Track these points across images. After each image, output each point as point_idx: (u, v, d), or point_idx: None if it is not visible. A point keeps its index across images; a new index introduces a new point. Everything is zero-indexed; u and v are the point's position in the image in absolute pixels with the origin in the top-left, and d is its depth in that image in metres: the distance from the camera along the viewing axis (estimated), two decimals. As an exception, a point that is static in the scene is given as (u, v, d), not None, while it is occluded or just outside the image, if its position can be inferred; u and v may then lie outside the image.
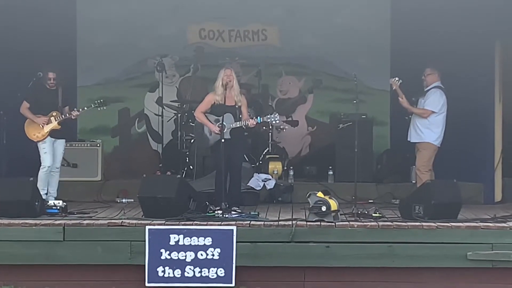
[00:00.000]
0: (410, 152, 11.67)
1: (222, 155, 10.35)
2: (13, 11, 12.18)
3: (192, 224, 9.47)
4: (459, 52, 12.01)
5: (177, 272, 9.25)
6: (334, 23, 14.16)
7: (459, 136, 11.90)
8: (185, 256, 9.27)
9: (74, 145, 12.86)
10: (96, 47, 14.15)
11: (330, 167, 12.82)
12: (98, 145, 12.98)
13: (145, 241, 9.25)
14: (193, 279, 9.24)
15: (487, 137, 12.04)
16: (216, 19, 14.42)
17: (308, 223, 9.53)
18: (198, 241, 9.28)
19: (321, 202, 9.61)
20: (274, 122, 10.85)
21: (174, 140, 13.61)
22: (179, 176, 10.91)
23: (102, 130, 14.41)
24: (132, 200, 11.45)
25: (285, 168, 12.97)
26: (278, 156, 13.08)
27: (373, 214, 9.99)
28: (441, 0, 12.09)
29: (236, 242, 9.22)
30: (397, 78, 11.09)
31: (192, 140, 12.64)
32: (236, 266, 9.20)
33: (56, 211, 10.16)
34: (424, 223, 9.48)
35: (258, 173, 12.35)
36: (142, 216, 9.93)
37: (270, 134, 13.21)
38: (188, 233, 9.30)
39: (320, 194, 9.75)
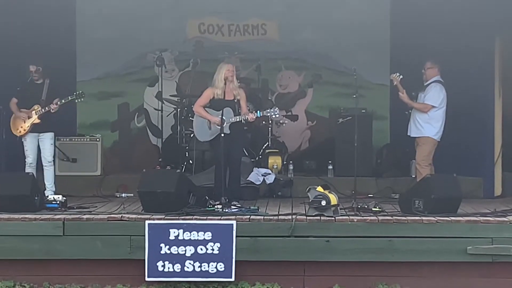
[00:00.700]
0: (410, 146, 11.65)
1: (221, 149, 10.34)
2: (13, 6, 12.15)
3: (191, 219, 9.47)
4: (459, 47, 12.01)
5: (177, 267, 9.25)
6: (333, 18, 14.14)
7: (459, 131, 11.90)
8: (185, 250, 9.27)
9: (73, 139, 12.86)
10: (95, 42, 14.13)
11: (330, 162, 12.81)
12: (98, 139, 12.96)
13: (144, 235, 9.26)
14: (193, 273, 9.24)
15: (487, 131, 12.04)
16: (215, 14, 14.40)
17: (308, 217, 9.53)
18: (198, 235, 9.28)
19: (321, 197, 9.61)
20: (274, 116, 10.83)
21: (174, 135, 13.60)
22: (178, 170, 10.92)
23: (101, 124, 14.41)
24: (132, 194, 11.44)
25: (284, 162, 12.96)
26: (277, 150, 13.07)
27: (373, 209, 9.99)
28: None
29: (236, 236, 9.23)
30: (398, 74, 11.08)
31: (192, 135, 12.63)
32: (236, 261, 9.21)
33: (55, 205, 10.16)
34: (424, 218, 9.47)
35: (258, 168, 12.34)
36: (141, 210, 9.92)
37: (269, 128, 13.20)
38: (188, 228, 9.30)
39: (320, 188, 9.75)
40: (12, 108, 11.04)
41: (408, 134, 11.35)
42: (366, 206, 10.15)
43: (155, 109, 14.25)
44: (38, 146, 11.04)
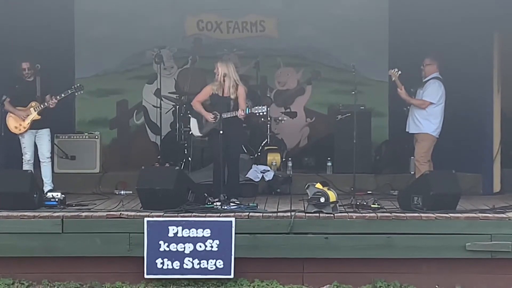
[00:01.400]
0: (409, 143, 11.65)
1: (220, 146, 10.35)
2: (11, 3, 12.14)
3: (190, 216, 9.47)
4: (457, 43, 12.02)
5: (176, 264, 9.25)
6: (332, 14, 14.14)
7: (457, 127, 11.91)
8: (184, 247, 9.27)
9: (72, 137, 12.86)
10: (94, 39, 14.14)
11: (329, 158, 12.80)
12: (97, 137, 12.96)
13: (143, 233, 9.26)
14: (192, 270, 9.25)
15: (485, 128, 12.03)
16: (214, 10, 14.39)
17: (307, 214, 9.53)
18: (196, 232, 9.28)
19: (319, 193, 9.61)
20: (261, 113, 10.75)
21: (173, 132, 13.58)
22: (177, 167, 10.90)
23: (100, 122, 14.42)
24: (131, 192, 11.44)
25: (283, 159, 12.95)
26: (276, 147, 13.06)
27: (372, 205, 10.00)
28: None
29: (235, 233, 9.23)
30: (396, 69, 11.07)
31: (190, 132, 12.61)
32: (235, 258, 9.21)
33: (54, 203, 10.15)
34: (422, 214, 9.47)
35: (257, 165, 12.33)
36: (140, 208, 9.92)
37: (268, 125, 13.20)
38: (187, 225, 9.30)
39: (318, 185, 9.75)
40: (6, 107, 11.02)
41: (407, 130, 11.35)
42: (365, 203, 10.17)
43: (154, 106, 14.25)
44: (35, 142, 11.03)
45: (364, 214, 9.55)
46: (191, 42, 14.56)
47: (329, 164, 12.77)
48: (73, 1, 14.17)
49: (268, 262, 9.35)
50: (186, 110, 12.98)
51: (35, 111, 10.93)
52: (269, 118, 13.11)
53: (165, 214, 9.50)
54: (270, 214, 9.59)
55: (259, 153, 12.99)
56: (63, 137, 12.63)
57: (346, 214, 9.59)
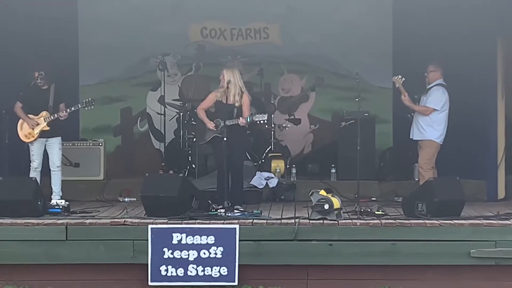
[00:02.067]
0: (413, 149, 11.65)
1: (224, 154, 10.35)
2: (15, 12, 12.17)
3: (194, 223, 9.47)
4: (461, 49, 12.02)
5: (180, 271, 9.24)
6: (335, 21, 14.15)
7: (461, 134, 11.90)
8: (188, 255, 9.26)
9: (76, 144, 12.88)
10: (97, 46, 14.16)
11: (333, 165, 12.80)
12: (101, 144, 12.98)
13: (147, 240, 9.25)
14: (196, 277, 9.24)
15: (489, 134, 12.02)
16: (217, 18, 14.41)
17: (311, 221, 9.52)
18: (200, 240, 9.28)
19: (323, 200, 9.60)
20: (262, 121, 10.75)
21: (177, 139, 13.60)
22: (181, 175, 10.91)
23: (104, 129, 14.43)
24: (135, 199, 11.43)
25: (287, 166, 12.94)
26: (280, 154, 13.06)
27: (376, 212, 10.00)
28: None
29: (239, 240, 9.22)
30: (400, 76, 11.08)
31: (194, 139, 12.63)
32: (239, 265, 9.20)
33: (58, 210, 10.16)
34: (427, 221, 9.46)
35: (261, 172, 12.33)
36: (144, 215, 9.92)
37: (272, 132, 13.20)
38: (191, 232, 9.30)
39: (322, 192, 9.74)
40: (18, 113, 10.96)
41: (411, 137, 11.35)
42: (369, 210, 10.16)
43: (158, 113, 14.28)
44: (44, 150, 11.02)
45: (368, 221, 9.54)
46: (195, 49, 14.58)
47: (333, 171, 12.78)
48: (76, 9, 14.18)
49: (272, 269, 9.34)
50: (190, 117, 12.99)
51: (45, 121, 10.90)
52: (273, 125, 13.11)
53: (169, 221, 9.50)
54: (274, 221, 9.58)
55: (263, 160, 12.99)
56: (67, 144, 12.59)
57: (350, 221, 9.59)
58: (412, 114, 11.30)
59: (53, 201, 10.43)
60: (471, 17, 11.72)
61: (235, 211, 10.12)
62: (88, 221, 9.66)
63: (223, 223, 9.47)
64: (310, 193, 9.82)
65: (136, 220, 9.60)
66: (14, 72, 12.12)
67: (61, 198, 10.72)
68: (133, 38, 14.20)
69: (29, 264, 9.40)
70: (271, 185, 12.10)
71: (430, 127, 11.07)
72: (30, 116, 10.92)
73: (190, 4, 14.05)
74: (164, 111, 13.96)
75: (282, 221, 9.59)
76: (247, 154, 12.20)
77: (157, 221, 9.51)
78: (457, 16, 11.92)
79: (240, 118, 10.58)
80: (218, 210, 10.06)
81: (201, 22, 14.48)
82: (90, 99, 11.05)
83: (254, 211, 10.21)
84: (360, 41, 14.05)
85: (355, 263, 9.30)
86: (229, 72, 10.75)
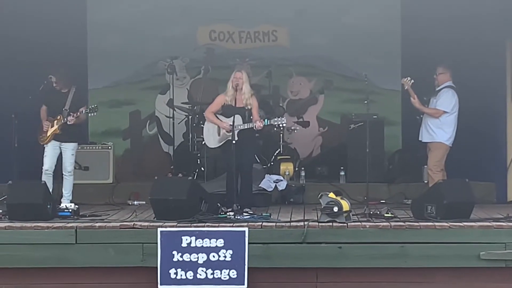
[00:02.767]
0: (422, 152, 11.63)
1: (233, 156, 10.36)
2: (25, 16, 12.22)
3: (204, 226, 9.48)
4: (470, 51, 12.00)
5: (190, 274, 9.26)
6: (344, 23, 14.15)
7: (471, 136, 11.87)
8: (197, 258, 9.28)
9: (85, 147, 12.88)
10: (106, 50, 14.19)
11: (342, 168, 12.81)
12: (110, 147, 13.01)
13: (157, 243, 9.27)
14: (206, 280, 9.25)
15: (499, 136, 12.02)
16: (226, 21, 14.43)
17: (320, 223, 9.53)
18: (210, 242, 9.29)
19: (333, 203, 9.60)
20: (281, 124, 10.80)
21: (185, 142, 13.62)
22: (190, 178, 10.93)
23: (113, 132, 14.45)
24: (144, 202, 11.47)
25: (296, 169, 12.96)
26: (289, 157, 13.07)
27: (385, 215, 9.98)
28: (452, 0, 12.10)
29: (248, 243, 9.23)
30: (409, 78, 11.07)
31: (203, 142, 12.64)
32: (248, 268, 9.21)
33: (68, 214, 10.19)
34: (436, 223, 9.45)
35: (270, 174, 12.34)
36: (154, 218, 9.93)
37: (281, 135, 13.21)
38: (200, 235, 9.31)
39: (331, 194, 9.74)
40: (41, 115, 11.12)
41: (420, 139, 11.34)
42: (378, 212, 10.15)
43: (167, 116, 14.30)
44: (60, 154, 11.06)
45: (377, 223, 9.54)
46: (203, 52, 14.59)
47: (342, 173, 12.78)
48: (85, 13, 14.22)
49: (282, 272, 9.34)
50: (199, 120, 13.01)
51: (57, 124, 10.95)
52: (282, 128, 13.10)
53: (178, 224, 9.51)
54: (283, 224, 9.59)
55: (272, 163, 12.99)
56: (74, 148, 12.61)
57: (359, 223, 9.58)
58: (421, 116, 11.29)
59: (63, 205, 10.46)
60: (480, 20, 11.72)
61: (244, 214, 10.13)
62: (97, 224, 9.69)
63: (232, 226, 9.48)
64: (319, 195, 9.82)
65: (146, 223, 9.62)
66: (23, 78, 12.15)
67: (71, 202, 10.75)
68: (142, 41, 14.23)
69: (39, 268, 9.41)
70: (280, 188, 12.12)
71: (440, 129, 11.06)
72: (49, 118, 11.00)
73: (198, 7, 14.06)
74: (173, 114, 13.97)
75: (291, 223, 9.59)
76: (256, 157, 12.21)
77: (166, 224, 9.52)
78: (466, 19, 11.91)
79: (257, 122, 10.59)
80: (227, 213, 10.07)
81: (210, 25, 14.50)
82: (94, 105, 11.08)
83: (263, 214, 10.21)
84: (368, 43, 14.04)
85: (364, 265, 9.29)
86: (243, 74, 10.78)
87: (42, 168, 10.98)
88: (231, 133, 10.48)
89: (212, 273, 9.25)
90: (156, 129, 14.66)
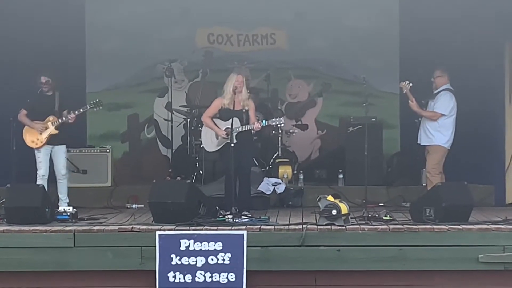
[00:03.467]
0: (420, 154, 11.65)
1: (231, 159, 10.36)
2: (23, 19, 12.23)
3: (202, 229, 9.48)
4: (468, 54, 12.02)
5: (188, 277, 9.26)
6: (342, 26, 14.17)
7: (469, 139, 11.89)
8: (196, 261, 9.27)
9: (83, 151, 12.91)
10: (104, 53, 14.21)
11: (340, 171, 12.81)
12: (108, 151, 13.01)
13: (155, 246, 9.27)
14: (204, 284, 9.24)
15: (497, 139, 12.03)
16: (224, 24, 14.44)
17: (319, 227, 9.53)
18: (208, 246, 9.29)
19: (331, 206, 9.61)
20: (279, 125, 10.82)
21: (184, 145, 13.62)
22: (189, 181, 10.93)
23: (111, 136, 14.47)
24: (142, 205, 11.47)
25: (295, 172, 12.96)
26: (288, 160, 13.07)
27: (384, 217, 10.00)
28: (450, 3, 12.11)
29: (247, 246, 9.22)
30: (407, 81, 11.09)
31: (202, 145, 12.65)
32: (247, 271, 9.20)
33: (66, 217, 10.18)
34: (435, 226, 9.47)
35: (268, 178, 12.34)
36: (152, 221, 9.94)
37: (279, 138, 13.23)
38: (199, 238, 9.31)
39: (330, 197, 9.75)
40: (23, 120, 10.98)
41: (418, 142, 11.35)
42: (376, 215, 10.17)
43: (165, 119, 14.32)
44: (50, 159, 11.05)
45: (376, 226, 9.55)
46: (201, 55, 14.61)
47: (341, 176, 12.79)
48: (84, 16, 14.23)
49: (280, 275, 9.35)
50: (197, 123, 13.01)
51: (52, 125, 10.92)
52: (280, 131, 13.12)
53: (176, 228, 9.52)
54: (282, 227, 9.60)
55: (270, 166, 13.00)
56: (75, 151, 12.64)
57: (358, 226, 9.59)
58: (420, 119, 11.31)
59: (61, 208, 10.46)
60: (478, 23, 11.73)
61: (243, 217, 10.13)
62: (96, 227, 9.69)
63: (230, 229, 9.48)
64: (318, 198, 9.83)
65: (144, 227, 9.62)
66: (22, 80, 12.15)
67: (69, 205, 10.75)
68: (140, 44, 14.25)
69: (37, 271, 9.41)
70: (278, 191, 12.12)
71: (438, 132, 11.08)
72: (36, 122, 10.95)
73: (196, 10, 14.08)
74: (171, 117, 13.99)
75: (290, 227, 9.60)
76: (255, 160, 12.22)
77: (164, 227, 9.53)
78: (464, 22, 11.94)
79: (256, 123, 10.61)
80: (226, 216, 10.07)
81: (208, 28, 14.51)
82: (97, 100, 11.10)
83: (262, 217, 10.22)
84: (367, 46, 14.07)
85: (363, 268, 9.30)
86: (242, 77, 10.79)
87: (36, 173, 10.95)
88: (229, 137, 10.49)
89: (211, 277, 9.25)
90: (154, 132, 14.67)
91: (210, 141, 10.96)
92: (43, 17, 12.46)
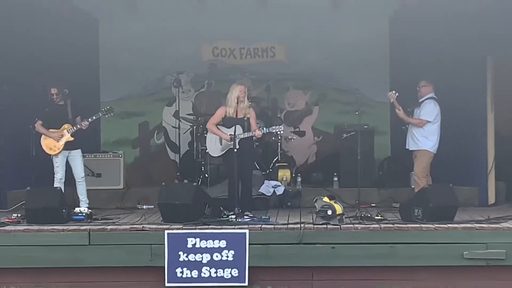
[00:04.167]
0: (409, 159, 11.62)
1: (234, 163, 10.35)
2: (44, 38, 12.24)
3: (207, 228, 9.48)
4: (453, 66, 12.04)
5: (194, 273, 9.26)
6: (337, 41, 14.18)
7: (454, 144, 11.89)
8: (202, 257, 9.28)
9: (98, 156, 12.89)
10: (118, 67, 14.21)
11: (335, 174, 12.78)
12: (120, 156, 12.99)
13: (164, 244, 9.27)
14: (209, 279, 9.25)
15: (480, 144, 12.00)
16: (228, 38, 14.45)
17: (315, 226, 9.52)
18: (213, 243, 9.29)
19: (327, 206, 9.60)
20: (278, 132, 10.81)
21: (190, 151, 13.61)
22: (195, 183, 10.91)
23: (124, 142, 14.48)
24: (152, 206, 11.45)
25: (293, 175, 12.94)
26: (286, 164, 13.06)
27: (376, 217, 9.98)
28: (436, 19, 12.12)
29: (249, 244, 9.23)
30: (394, 92, 11.07)
31: (207, 150, 12.64)
32: (249, 267, 9.21)
33: (82, 217, 10.18)
34: (423, 225, 9.45)
35: (269, 180, 12.33)
36: (161, 221, 9.93)
37: (279, 144, 13.22)
38: (204, 237, 9.32)
39: (326, 199, 9.74)
40: (39, 130, 10.92)
41: (407, 147, 11.33)
42: (369, 215, 10.14)
43: (173, 127, 14.32)
44: (67, 163, 11.02)
45: (368, 225, 9.53)
46: (207, 67, 14.63)
47: (336, 179, 12.76)
48: (97, 34, 14.28)
49: (280, 271, 9.34)
50: (202, 130, 13.00)
51: (68, 132, 10.90)
52: (279, 137, 13.12)
53: (184, 227, 9.52)
54: (281, 226, 9.59)
55: (270, 170, 12.98)
56: (89, 156, 12.61)
57: (351, 225, 9.58)
58: (407, 126, 11.28)
59: (77, 209, 10.45)
60: (463, 36, 11.76)
61: (245, 217, 10.13)
62: (109, 227, 9.69)
63: (234, 228, 9.48)
64: (314, 200, 9.82)
65: (154, 226, 9.61)
66: (41, 91, 12.14)
67: (88, 205, 10.75)
68: (150, 58, 14.27)
69: (55, 268, 9.41)
70: (278, 193, 12.10)
71: (424, 138, 11.06)
72: (53, 130, 10.93)
73: (202, 27, 14.09)
74: (179, 125, 13.99)
75: (289, 226, 9.59)
76: (256, 164, 12.21)
77: (173, 226, 9.52)
78: (450, 36, 11.97)
79: (257, 131, 10.59)
80: (229, 216, 10.06)
81: (213, 42, 14.52)
82: (108, 107, 11.10)
83: (263, 217, 10.21)
84: (359, 59, 14.05)
85: (356, 264, 9.29)
86: (245, 88, 10.79)
87: (54, 177, 10.93)
88: (232, 142, 10.48)
89: (216, 272, 9.25)
90: (163, 138, 14.68)
91: (214, 146, 10.94)
92: (61, 36, 12.50)
